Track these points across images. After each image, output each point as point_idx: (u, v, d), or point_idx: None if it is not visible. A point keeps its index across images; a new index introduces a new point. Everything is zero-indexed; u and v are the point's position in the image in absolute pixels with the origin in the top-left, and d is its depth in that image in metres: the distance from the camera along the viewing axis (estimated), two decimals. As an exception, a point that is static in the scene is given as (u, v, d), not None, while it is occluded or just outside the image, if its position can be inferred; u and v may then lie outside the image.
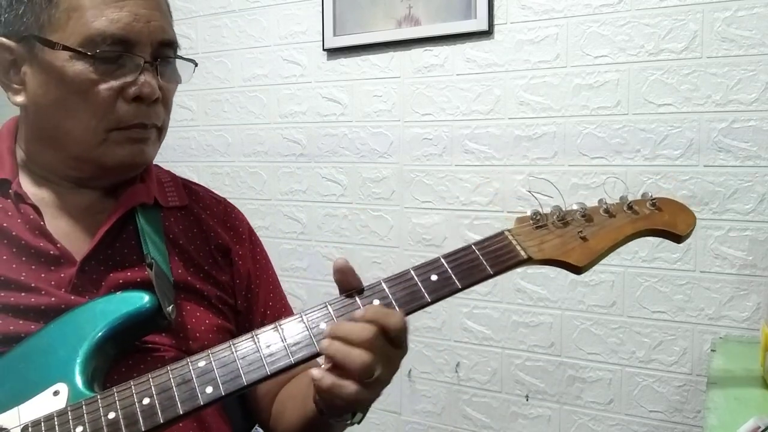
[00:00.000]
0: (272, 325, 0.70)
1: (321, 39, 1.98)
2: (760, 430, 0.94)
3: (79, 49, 0.75)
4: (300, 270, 2.08)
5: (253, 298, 0.92)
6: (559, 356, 1.71)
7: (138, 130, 0.80)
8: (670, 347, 1.58)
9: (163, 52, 0.81)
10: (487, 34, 1.74)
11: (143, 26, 0.77)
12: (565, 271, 1.77)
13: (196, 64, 0.87)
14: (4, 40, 0.79)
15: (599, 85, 1.63)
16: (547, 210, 0.78)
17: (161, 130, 0.86)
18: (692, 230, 0.78)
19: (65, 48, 0.75)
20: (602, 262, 1.79)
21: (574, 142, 1.65)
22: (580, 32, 1.64)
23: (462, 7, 1.76)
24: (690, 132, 1.54)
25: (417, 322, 1.89)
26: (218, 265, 0.90)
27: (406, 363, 1.89)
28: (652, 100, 1.57)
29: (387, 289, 0.70)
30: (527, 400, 1.76)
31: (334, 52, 1.98)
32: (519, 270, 1.75)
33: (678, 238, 0.78)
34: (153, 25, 0.78)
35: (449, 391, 1.87)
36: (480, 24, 1.73)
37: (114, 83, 0.77)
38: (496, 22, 1.73)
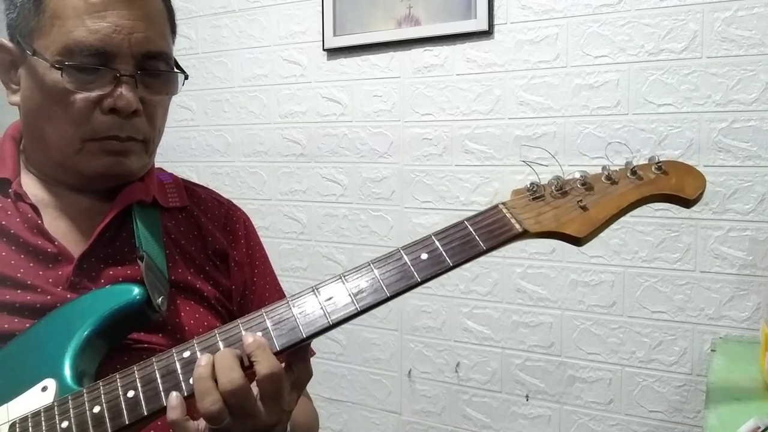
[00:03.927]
0: (259, 313, 0.68)
1: (321, 39, 1.98)
2: (760, 430, 0.94)
3: (50, 60, 0.75)
4: (300, 270, 2.08)
5: (246, 304, 0.91)
6: (559, 356, 1.71)
7: (113, 142, 0.79)
8: (670, 347, 1.59)
9: (149, 63, 0.79)
10: (487, 34, 1.74)
11: (124, 38, 0.75)
12: (565, 271, 1.77)
13: (187, 77, 0.85)
14: (3, 41, 0.80)
15: (599, 85, 1.63)
16: (545, 180, 0.73)
17: (147, 143, 0.83)
18: (702, 193, 0.73)
19: (40, 56, 0.76)
20: (602, 262, 1.79)
21: (574, 142, 1.65)
22: (580, 32, 1.64)
23: (462, 7, 1.76)
24: (690, 132, 1.54)
25: (417, 322, 1.89)
26: (218, 269, 0.89)
27: (405, 363, 1.90)
28: (652, 100, 1.57)
29: (375, 270, 0.68)
30: (527, 400, 1.76)
31: (334, 52, 1.98)
32: (519, 270, 1.76)
33: (686, 203, 0.73)
34: (135, 37, 0.76)
35: (449, 391, 1.87)
36: (480, 24, 1.73)
37: (90, 94, 0.76)
38: (496, 22, 1.73)
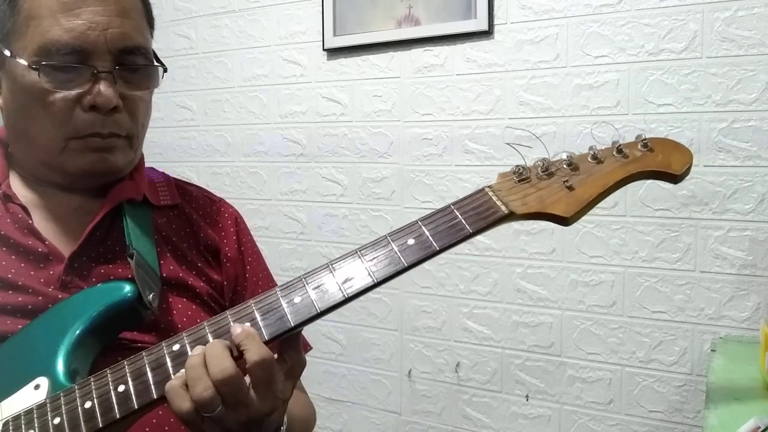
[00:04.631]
0: (247, 304, 0.68)
1: (321, 39, 1.98)
2: (760, 430, 0.94)
3: (28, 61, 0.75)
4: (300, 270, 2.08)
5: (238, 300, 0.91)
6: (559, 356, 1.71)
7: (95, 139, 0.79)
8: (670, 347, 1.58)
9: (126, 59, 0.79)
10: (487, 34, 1.74)
11: (99, 34, 0.75)
12: (565, 271, 1.77)
13: (166, 69, 0.85)
14: None
15: (599, 85, 1.63)
16: (531, 163, 0.74)
17: (130, 139, 0.83)
18: (689, 168, 0.73)
19: (18, 58, 0.76)
20: (602, 262, 1.79)
21: (574, 142, 1.65)
22: (580, 32, 1.64)
23: (462, 7, 1.76)
24: (690, 132, 1.54)
25: (417, 322, 1.89)
26: (210, 265, 0.90)
27: (405, 363, 1.90)
28: (652, 100, 1.57)
29: (363, 257, 0.68)
30: (527, 400, 1.76)
31: (334, 52, 1.98)
32: (519, 270, 1.76)
33: (674, 178, 0.73)
34: (111, 33, 0.76)
35: (449, 391, 1.87)
36: (480, 24, 1.73)
37: (69, 93, 0.76)
38: (496, 22, 1.73)
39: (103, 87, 0.76)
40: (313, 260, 2.06)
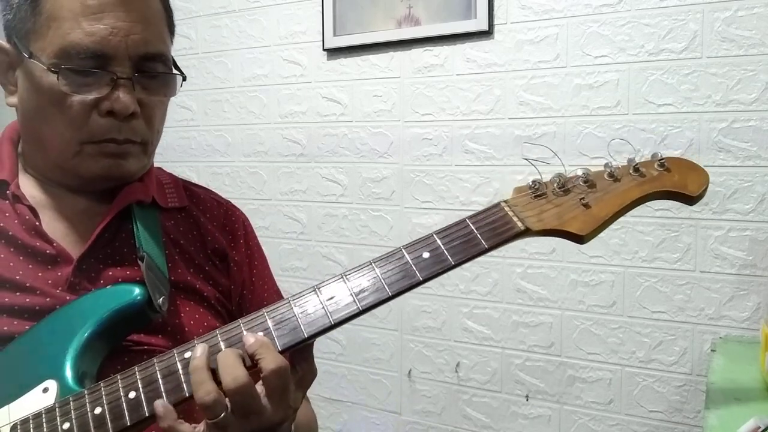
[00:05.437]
0: (260, 313, 0.68)
1: (321, 39, 1.98)
2: (760, 430, 0.94)
3: (47, 63, 0.74)
4: (300, 270, 2.08)
5: (245, 304, 0.91)
6: (559, 356, 1.71)
7: (111, 144, 0.78)
8: (670, 347, 1.59)
9: (146, 65, 0.78)
10: (487, 34, 1.74)
11: (120, 40, 0.75)
12: (565, 271, 1.77)
13: (185, 78, 0.85)
14: (0, 42, 0.80)
15: (599, 85, 1.63)
16: (547, 178, 0.73)
17: (145, 145, 0.82)
18: (705, 190, 0.73)
19: (36, 59, 0.75)
20: (602, 262, 1.79)
21: (574, 142, 1.65)
22: (580, 32, 1.64)
23: (462, 7, 1.76)
24: (690, 132, 1.54)
25: (417, 322, 1.89)
26: (217, 269, 0.89)
27: (405, 363, 1.90)
28: (652, 100, 1.57)
29: (377, 269, 0.68)
30: (527, 400, 1.76)
31: (334, 52, 1.98)
32: (519, 270, 1.76)
33: (690, 200, 0.73)
34: (132, 39, 0.76)
35: (449, 391, 1.87)
36: (480, 24, 1.73)
37: (87, 97, 0.76)
38: (496, 22, 1.73)
39: (121, 93, 0.76)
40: (313, 260, 2.06)
